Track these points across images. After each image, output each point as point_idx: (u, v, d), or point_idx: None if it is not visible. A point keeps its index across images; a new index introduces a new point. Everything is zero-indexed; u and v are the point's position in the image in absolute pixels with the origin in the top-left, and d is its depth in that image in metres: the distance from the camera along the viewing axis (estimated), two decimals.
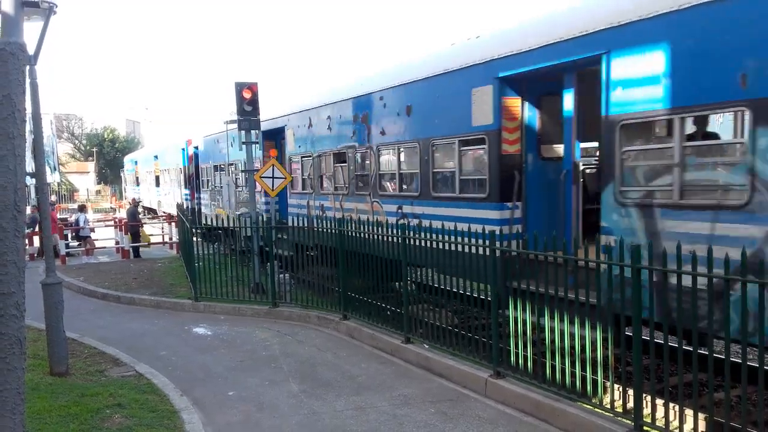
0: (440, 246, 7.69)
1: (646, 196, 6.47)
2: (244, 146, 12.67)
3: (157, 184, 34.28)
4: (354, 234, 9.39)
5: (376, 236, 8.95)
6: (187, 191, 25.08)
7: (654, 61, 6.26)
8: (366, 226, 9.16)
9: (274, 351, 8.88)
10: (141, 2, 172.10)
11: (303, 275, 11.52)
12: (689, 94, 5.94)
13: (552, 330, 6.12)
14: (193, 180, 24.18)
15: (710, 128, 6.18)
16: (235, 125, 12.71)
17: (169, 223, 23.37)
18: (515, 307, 6.58)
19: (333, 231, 9.87)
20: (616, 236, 6.54)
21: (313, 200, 13.90)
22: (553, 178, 8.34)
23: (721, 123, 6.13)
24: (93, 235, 22.36)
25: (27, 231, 18.21)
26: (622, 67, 6.61)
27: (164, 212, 31.17)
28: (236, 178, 17.60)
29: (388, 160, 11.17)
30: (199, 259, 12.21)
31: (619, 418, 5.48)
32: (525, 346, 6.52)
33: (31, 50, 7.55)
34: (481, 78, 8.61)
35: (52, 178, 27.73)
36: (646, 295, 5.23)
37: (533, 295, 6.40)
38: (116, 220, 25.23)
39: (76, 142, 77.82)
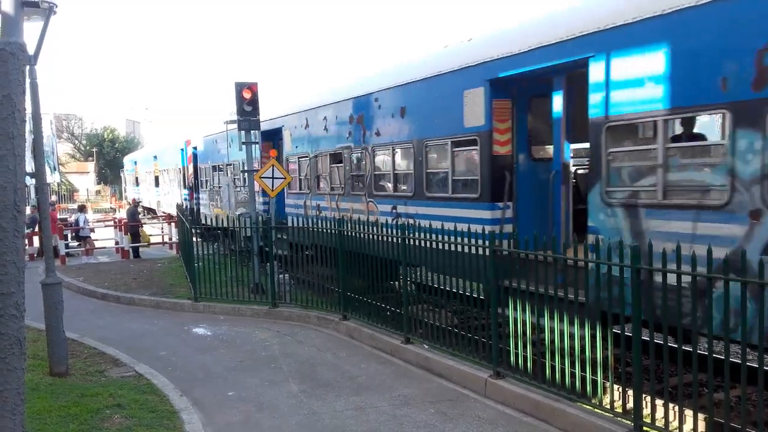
0: (437, 246, 7.72)
1: (631, 196, 6.55)
2: (243, 146, 12.68)
3: (157, 184, 34.27)
4: (354, 234, 9.40)
5: (375, 236, 8.96)
6: (186, 191, 25.08)
7: (638, 65, 6.34)
8: (365, 227, 9.17)
9: (274, 351, 8.89)
10: (141, 2, 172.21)
11: (303, 275, 11.53)
12: (673, 97, 6.02)
13: (551, 330, 6.13)
14: (192, 180, 24.17)
15: (693, 130, 6.24)
16: (235, 125, 12.71)
17: (169, 224, 23.38)
18: (509, 306, 6.63)
19: (333, 231, 9.88)
20: (603, 236, 6.64)
21: (309, 200, 13.94)
22: (544, 179, 8.39)
23: (704, 125, 6.18)
24: (93, 236, 22.35)
25: (27, 231, 18.22)
26: (607, 70, 6.68)
27: (164, 212, 31.17)
28: (235, 178, 17.60)
29: (383, 160, 11.21)
30: (198, 260, 12.21)
31: (618, 419, 5.49)
32: (525, 347, 6.54)
33: (31, 50, 7.56)
34: (473, 80, 8.67)
35: (51, 178, 27.78)
36: (628, 292, 5.30)
37: (524, 293, 6.48)
38: (116, 220, 25.22)
39: (76, 142, 77.86)
